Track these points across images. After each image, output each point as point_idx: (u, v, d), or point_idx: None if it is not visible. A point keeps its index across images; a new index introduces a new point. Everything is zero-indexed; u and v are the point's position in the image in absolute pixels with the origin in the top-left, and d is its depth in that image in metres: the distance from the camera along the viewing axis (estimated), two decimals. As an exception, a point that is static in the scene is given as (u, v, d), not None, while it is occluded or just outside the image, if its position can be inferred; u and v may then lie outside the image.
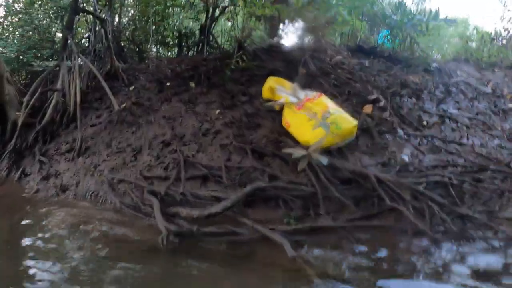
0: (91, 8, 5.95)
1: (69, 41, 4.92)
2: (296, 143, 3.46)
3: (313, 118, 3.40)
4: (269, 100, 3.88)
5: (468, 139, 3.85)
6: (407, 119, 3.92)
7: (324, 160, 2.52)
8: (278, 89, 3.77)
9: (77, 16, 5.66)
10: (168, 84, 4.68)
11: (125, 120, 4.28)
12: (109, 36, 5.45)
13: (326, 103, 3.50)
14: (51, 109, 4.49)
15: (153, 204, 3.09)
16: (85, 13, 6.01)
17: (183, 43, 7.70)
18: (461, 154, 3.60)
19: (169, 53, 7.94)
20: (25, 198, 3.69)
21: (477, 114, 4.36)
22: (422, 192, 2.95)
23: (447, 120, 4.05)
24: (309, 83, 4.28)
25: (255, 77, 4.43)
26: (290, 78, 4.27)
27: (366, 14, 5.14)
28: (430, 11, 4.63)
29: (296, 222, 2.94)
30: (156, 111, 4.33)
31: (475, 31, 6.93)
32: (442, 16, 4.81)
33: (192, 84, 4.53)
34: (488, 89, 5.05)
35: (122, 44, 7.56)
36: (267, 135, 3.66)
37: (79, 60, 4.90)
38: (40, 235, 2.94)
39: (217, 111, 4.06)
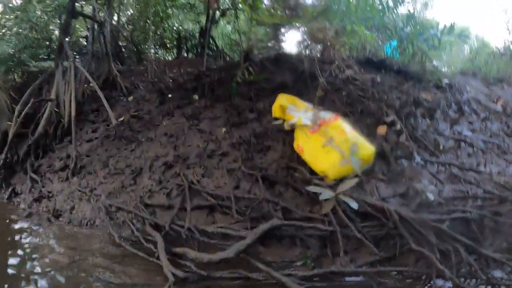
0: (90, 7, 5.62)
1: (65, 46, 4.58)
2: (311, 171, 3.21)
3: (328, 144, 3.16)
4: (279, 119, 3.63)
5: (485, 166, 3.65)
6: (423, 142, 3.70)
7: (354, 204, 2.28)
8: (290, 108, 3.50)
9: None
10: (169, 95, 4.38)
11: (123, 135, 3.98)
12: (108, 40, 5.13)
13: (343, 128, 3.24)
14: (44, 121, 4.17)
15: (157, 242, 2.81)
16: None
17: (182, 45, 7.43)
18: (480, 184, 3.39)
19: (168, 55, 7.68)
20: (14, 224, 3.35)
21: (490, 136, 4.16)
22: (446, 231, 2.73)
23: (462, 144, 3.84)
24: (319, 100, 4.04)
25: (263, 91, 4.16)
26: (300, 93, 4.02)
27: (376, 25, 4.87)
28: (445, 26, 4.39)
29: (313, 263, 2.72)
30: (157, 126, 4.04)
31: (477, 42, 6.72)
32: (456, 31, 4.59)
33: (196, 97, 4.25)
34: (499, 107, 4.85)
35: (121, 44, 7.28)
36: (278, 159, 3.41)
37: (75, 66, 4.56)
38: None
39: (224, 129, 3.79)
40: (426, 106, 4.23)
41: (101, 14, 5.81)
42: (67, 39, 4.72)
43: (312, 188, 2.45)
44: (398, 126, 3.63)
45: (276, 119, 3.61)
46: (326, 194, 2.30)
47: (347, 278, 2.62)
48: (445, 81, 4.84)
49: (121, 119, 4.13)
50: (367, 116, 3.82)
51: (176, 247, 2.82)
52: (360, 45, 5.11)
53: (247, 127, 3.79)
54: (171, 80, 4.71)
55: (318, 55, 4.43)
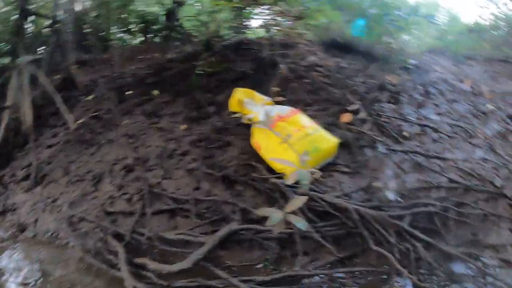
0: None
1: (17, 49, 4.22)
2: (270, 169, 3.04)
3: (286, 141, 2.98)
4: (237, 113, 3.44)
5: (451, 152, 3.51)
6: (387, 130, 3.55)
7: (303, 225, 2.11)
8: (247, 103, 3.30)
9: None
10: (129, 92, 4.11)
11: (83, 139, 3.73)
12: (67, 38, 4.77)
13: (302, 122, 3.07)
14: (3, 131, 3.87)
15: (118, 253, 2.64)
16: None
17: (148, 29, 7.06)
18: (444, 172, 3.26)
19: (135, 40, 7.30)
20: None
21: (458, 119, 4.03)
22: (407, 230, 2.61)
23: (428, 130, 3.70)
24: (282, 88, 3.84)
25: (223, 82, 3.95)
26: (261, 83, 3.82)
27: (342, 6, 4.65)
28: (411, 7, 4.21)
29: (272, 266, 2.59)
30: (117, 126, 3.80)
31: (448, 18, 6.52)
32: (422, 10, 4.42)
33: (156, 92, 4.00)
34: (467, 87, 4.71)
35: (86, 33, 6.87)
36: (238, 156, 3.23)
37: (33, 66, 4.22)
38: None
39: (184, 126, 3.58)
40: (392, 90, 4.07)
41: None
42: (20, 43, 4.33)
43: (260, 212, 2.27)
44: (362, 114, 3.47)
45: (235, 113, 3.42)
46: (275, 217, 2.12)
47: (306, 280, 2.51)
48: (412, 61, 4.67)
49: (81, 121, 3.87)
50: (332, 105, 3.65)
51: (138, 257, 2.65)
52: (325, 26, 4.87)
53: (208, 122, 3.59)
54: (131, 76, 4.40)
55: (280, 41, 4.19)
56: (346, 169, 3.13)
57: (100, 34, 7.03)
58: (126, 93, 4.14)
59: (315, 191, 2.81)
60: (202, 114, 3.67)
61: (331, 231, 2.67)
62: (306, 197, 2.21)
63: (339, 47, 4.66)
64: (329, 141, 3.02)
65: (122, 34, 7.20)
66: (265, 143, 3.02)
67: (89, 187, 3.31)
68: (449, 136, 3.71)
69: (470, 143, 3.71)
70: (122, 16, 6.70)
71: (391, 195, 2.59)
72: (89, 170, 3.47)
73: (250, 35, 4.10)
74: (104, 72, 4.90)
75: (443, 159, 3.40)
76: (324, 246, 2.62)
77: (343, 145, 3.30)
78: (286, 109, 3.18)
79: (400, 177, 3.16)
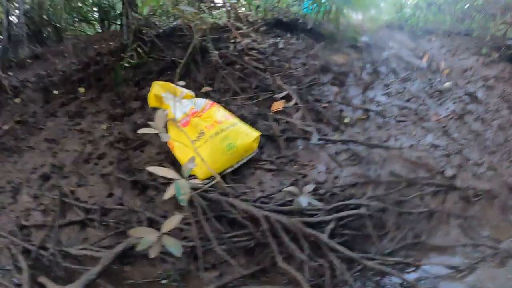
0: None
1: None
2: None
3: (200, 138, 2.50)
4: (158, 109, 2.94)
5: (396, 139, 3.01)
6: (326, 116, 3.04)
7: (176, 249, 1.63)
8: (165, 97, 2.79)
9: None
10: (55, 92, 3.60)
11: (6, 146, 3.24)
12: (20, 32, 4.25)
13: (216, 116, 2.57)
14: None
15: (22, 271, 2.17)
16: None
17: (103, 18, 6.50)
18: (386, 163, 2.77)
19: (92, 29, 6.73)
20: None
21: (408, 100, 3.51)
22: (324, 241, 2.13)
23: (372, 114, 3.19)
24: (209, 77, 3.32)
25: (150, 74, 3.42)
26: (189, 72, 3.31)
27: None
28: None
29: (178, 282, 2.14)
30: (40, 130, 3.30)
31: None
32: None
33: (82, 90, 3.49)
34: (423, 63, 4.17)
35: (40, 23, 6.31)
36: (154, 157, 2.74)
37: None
38: None
39: (104, 126, 3.09)
40: (337, 71, 3.54)
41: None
42: None
43: (133, 232, 1.79)
44: (293, 101, 2.95)
45: (155, 109, 2.92)
46: (146, 240, 1.65)
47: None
48: (363, 39, 4.12)
49: (6, 127, 3.38)
50: (262, 92, 3.14)
51: (44, 275, 2.22)
52: (270, 4, 4.30)
53: (130, 119, 3.09)
54: (60, 73, 3.85)
55: (216, 24, 3.65)
56: (269, 166, 2.65)
57: (55, 24, 6.49)
58: (53, 92, 3.63)
59: (225, 195, 2.33)
60: (125, 111, 3.16)
61: (239, 242, 2.21)
62: (181, 215, 1.72)
63: (283, 26, 4.10)
64: (246, 135, 2.52)
65: (78, 24, 6.69)
66: (177, 142, 2.54)
67: (8, 199, 2.84)
68: (396, 121, 3.20)
69: (420, 127, 3.19)
70: (78, 4, 6.16)
71: (304, 201, 2.09)
72: (9, 180, 2.99)
73: (186, 20, 3.55)
74: (52, 66, 4.36)
75: (386, 148, 2.89)
76: (235, 259, 2.17)
77: (270, 138, 2.82)
78: (202, 103, 2.67)
79: (332, 172, 2.67)
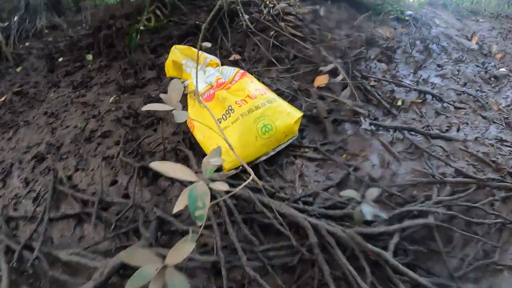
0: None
1: None
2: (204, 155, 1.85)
3: (227, 117, 1.75)
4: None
5: (458, 129, 2.24)
6: (375, 97, 2.28)
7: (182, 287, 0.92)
8: (186, 65, 2.04)
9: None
10: (60, 59, 2.86)
11: (2, 120, 2.54)
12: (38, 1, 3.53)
13: (250, 89, 1.82)
14: None
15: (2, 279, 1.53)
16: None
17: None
18: (450, 158, 2.02)
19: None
20: None
21: (465, 84, 2.72)
22: (391, 264, 1.41)
23: (428, 97, 2.41)
24: (239, 44, 2.55)
25: (170, 40, 2.66)
26: (216, 38, 2.55)
27: None
28: None
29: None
30: (41, 103, 2.58)
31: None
32: None
33: (89, 57, 2.75)
34: (474, 45, 3.36)
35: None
36: (168, 137, 2.01)
37: None
38: None
39: (112, 97, 2.35)
40: (383, 46, 2.75)
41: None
42: None
43: (125, 257, 1.06)
44: (341, 77, 2.19)
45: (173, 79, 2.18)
46: (143, 275, 0.94)
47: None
48: (409, 12, 3.30)
49: (2, 99, 2.68)
50: (302, 64, 2.37)
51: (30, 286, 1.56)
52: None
53: (142, 91, 2.34)
54: (67, 39, 3.11)
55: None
56: (313, 154, 1.90)
57: None
58: (58, 59, 2.89)
59: (258, 191, 1.60)
60: (138, 81, 2.41)
61: (276, 257, 1.49)
62: (194, 244, 0.98)
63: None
64: (287, 115, 1.77)
65: None
66: (200, 120, 1.80)
67: (-3, 182, 2.16)
68: (455, 107, 2.42)
69: (482, 116, 2.41)
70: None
71: (368, 211, 1.36)
72: (3, 159, 2.31)
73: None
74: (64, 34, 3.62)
75: (449, 139, 2.13)
76: (271, 277, 1.47)
77: (313, 119, 2.07)
78: (230, 72, 1.91)
79: (388, 167, 1.92)
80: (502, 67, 3.06)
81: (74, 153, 2.08)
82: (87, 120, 2.22)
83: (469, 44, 3.33)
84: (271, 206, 1.50)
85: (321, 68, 2.18)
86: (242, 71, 1.93)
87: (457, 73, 2.80)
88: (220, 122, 1.71)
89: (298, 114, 1.83)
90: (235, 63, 2.33)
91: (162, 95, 1.36)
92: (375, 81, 2.37)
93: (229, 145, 1.27)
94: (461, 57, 3.02)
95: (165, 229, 1.65)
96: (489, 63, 3.08)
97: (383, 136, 2.06)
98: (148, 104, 1.27)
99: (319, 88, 2.21)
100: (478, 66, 2.99)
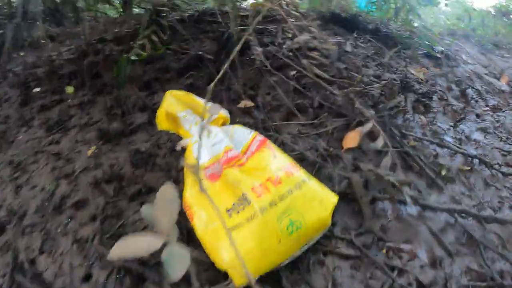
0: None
1: None
2: (208, 262, 1.35)
3: (239, 211, 1.26)
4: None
5: (510, 205, 1.78)
6: (418, 163, 1.80)
7: None
8: (184, 118, 1.53)
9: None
10: (37, 89, 2.30)
11: None
12: (36, 9, 2.98)
13: (270, 168, 1.32)
14: None
15: None
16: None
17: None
18: (506, 248, 1.55)
19: (115, 12, 5.36)
20: None
21: (507, 139, 2.26)
22: None
23: (475, 163, 1.95)
24: (250, 85, 2.05)
25: (167, 73, 2.13)
26: (223, 75, 2.04)
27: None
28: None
29: None
30: (10, 144, 2.03)
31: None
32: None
33: (70, 89, 2.20)
34: (504, 85, 2.91)
35: (57, 1, 4.96)
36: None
37: None
38: None
39: (91, 149, 1.83)
40: (419, 91, 2.28)
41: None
42: None
43: None
44: (381, 141, 1.71)
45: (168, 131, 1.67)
46: None
47: None
48: (440, 48, 2.84)
49: None
50: (330, 116, 1.88)
51: None
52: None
53: (129, 142, 1.80)
54: (43, 67, 2.53)
55: (258, 11, 2.33)
56: (346, 250, 1.42)
57: (74, 3, 5.11)
58: (34, 90, 2.34)
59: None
60: (125, 127, 1.89)
61: None
62: None
63: (340, 23, 2.79)
64: (319, 204, 1.27)
65: (100, 5, 5.28)
66: (200, 211, 1.30)
67: None
68: (503, 173, 1.96)
69: (536, 188, 1.97)
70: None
71: None
72: None
73: (217, 4, 2.26)
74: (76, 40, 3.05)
75: (503, 222, 1.67)
76: None
77: (345, 197, 1.58)
78: (244, 136, 1.41)
79: (440, 267, 1.45)
80: (541, 116, 2.63)
81: (40, 227, 1.54)
82: (58, 181, 1.68)
83: (500, 85, 2.88)
84: None
85: (358, 129, 1.69)
86: (260, 137, 1.43)
87: (497, 124, 2.34)
88: (230, 216, 1.21)
89: (333, 199, 1.34)
90: (245, 113, 1.83)
91: (144, 213, 0.87)
92: (414, 140, 1.89)
93: (238, 255, 0.77)
94: (497, 103, 2.57)
95: None
96: (526, 111, 2.64)
97: (431, 221, 1.59)
98: (119, 244, 0.76)
99: (349, 149, 1.73)
100: (515, 114, 2.54)
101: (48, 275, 1.40)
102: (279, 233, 1.19)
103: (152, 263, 1.33)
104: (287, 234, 1.21)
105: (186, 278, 1.29)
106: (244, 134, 1.43)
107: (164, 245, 0.80)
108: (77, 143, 1.84)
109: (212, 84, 0.98)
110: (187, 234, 1.37)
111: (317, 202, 1.29)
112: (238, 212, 1.21)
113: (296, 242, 1.25)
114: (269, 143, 1.40)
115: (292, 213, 1.22)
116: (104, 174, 1.63)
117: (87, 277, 1.37)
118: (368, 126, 1.65)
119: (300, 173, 1.33)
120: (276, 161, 1.32)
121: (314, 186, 1.32)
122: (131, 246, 0.76)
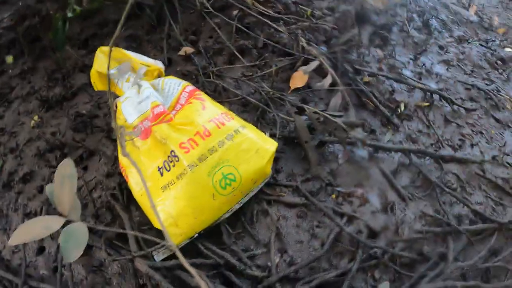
0: None
1: None
2: (145, 221, 1.22)
3: (171, 168, 1.11)
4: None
5: (472, 143, 1.70)
6: (372, 101, 1.67)
7: None
8: (119, 72, 1.32)
9: None
10: None
11: None
12: None
13: (199, 120, 1.17)
14: None
15: None
16: None
17: None
18: (466, 190, 1.49)
19: None
20: None
21: (472, 71, 2.14)
22: None
23: (435, 98, 1.83)
24: (191, 30, 1.82)
25: (105, 27, 1.87)
26: (164, 21, 1.82)
27: None
28: None
29: None
30: None
31: None
32: None
33: (10, 59, 1.89)
34: (473, 16, 2.74)
35: None
36: (102, 181, 1.32)
37: None
38: None
39: (34, 119, 1.60)
40: (377, 23, 2.09)
41: None
42: None
43: None
44: (329, 80, 1.55)
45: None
46: None
47: None
48: (403, -25, 2.61)
49: None
50: (275, 55, 1.69)
51: None
52: None
53: (71, 106, 1.59)
54: None
55: None
56: (292, 198, 1.31)
57: None
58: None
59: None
60: (66, 91, 1.66)
61: None
62: None
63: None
64: (256, 153, 1.14)
65: None
66: (134, 172, 1.15)
67: None
68: (466, 109, 1.86)
69: (495, 118, 1.88)
70: None
71: None
72: None
73: None
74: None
75: (464, 161, 1.59)
76: None
77: (291, 142, 1.45)
78: (174, 89, 1.23)
79: (392, 212, 1.37)
80: (507, 46, 2.51)
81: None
82: (4, 157, 1.50)
83: (468, 15, 2.71)
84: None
85: (301, 68, 1.52)
86: (190, 87, 1.26)
87: (462, 56, 2.21)
88: (162, 174, 1.08)
89: (271, 147, 1.21)
90: (186, 59, 1.63)
91: (48, 193, 0.79)
92: (369, 76, 1.75)
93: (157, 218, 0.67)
94: (463, 34, 2.42)
95: None
96: (493, 40, 2.50)
97: (384, 163, 1.49)
98: (19, 229, 0.69)
99: (296, 90, 1.58)
100: (482, 46, 2.40)
101: (6, 253, 1.29)
102: (212, 188, 1.07)
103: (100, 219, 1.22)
104: (220, 188, 1.09)
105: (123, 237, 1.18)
106: (174, 86, 1.26)
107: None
108: (19, 115, 1.65)
109: (117, 31, 0.79)
110: (128, 195, 1.25)
111: (253, 151, 1.16)
112: (169, 169, 1.07)
113: (232, 196, 1.13)
114: (198, 93, 1.24)
115: (225, 166, 1.10)
116: (47, 143, 1.46)
117: (41, 250, 1.27)
118: (313, 64, 1.49)
119: (233, 123, 1.18)
120: (206, 113, 1.17)
121: (249, 135, 1.17)
122: (31, 230, 0.74)
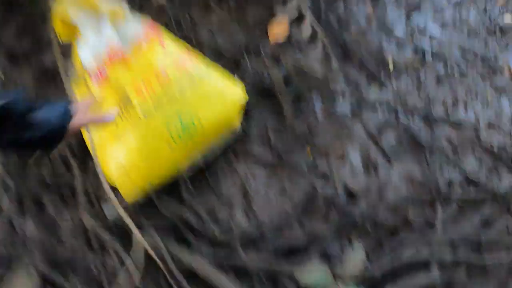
0: None
1: None
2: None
3: (123, 112, 0.96)
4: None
5: (466, 107, 1.55)
6: (357, 55, 1.52)
7: None
8: (80, 19, 1.13)
9: None
10: None
11: None
12: None
13: (158, 62, 0.99)
14: None
15: None
16: None
17: None
18: (458, 154, 1.36)
19: None
20: None
21: (469, 37, 1.99)
22: None
23: (428, 57, 1.68)
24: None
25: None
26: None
27: None
28: None
29: None
30: None
31: None
32: None
33: None
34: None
35: None
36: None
37: None
38: None
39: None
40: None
41: None
42: None
43: None
44: (308, 26, 1.38)
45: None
46: None
47: None
48: None
49: None
50: (252, 3, 1.53)
51: None
52: None
53: (38, 59, 1.41)
54: None
55: None
56: (264, 154, 1.16)
57: None
58: None
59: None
60: (34, 43, 1.48)
61: None
62: None
63: None
64: (219, 100, 1.00)
65: None
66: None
67: None
68: (461, 73, 1.71)
69: (492, 85, 1.74)
70: None
71: None
72: None
73: None
74: None
75: (457, 125, 1.45)
76: None
77: (266, 94, 1.30)
78: (132, 30, 1.05)
79: (374, 173, 1.23)
80: (507, 14, 2.35)
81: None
82: None
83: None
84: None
85: (281, 17, 1.35)
86: (150, 27, 1.09)
87: (458, 21, 2.05)
88: (116, 124, 0.93)
89: (239, 96, 1.06)
90: (158, 10, 1.45)
91: None
92: (357, 31, 1.58)
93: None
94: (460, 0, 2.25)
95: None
96: (491, 8, 2.34)
97: (368, 120, 1.34)
98: None
99: (275, 43, 1.41)
100: (479, 13, 2.24)
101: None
102: (169, 138, 0.93)
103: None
104: (178, 138, 0.94)
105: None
106: (133, 26, 1.08)
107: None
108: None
109: None
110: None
111: (218, 100, 1.01)
112: (123, 119, 0.91)
113: (192, 146, 0.98)
114: (160, 34, 1.06)
115: (184, 114, 0.94)
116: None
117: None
118: (292, 13, 1.31)
119: (195, 66, 1.01)
120: (166, 55, 1.00)
121: (214, 82, 1.02)
122: None
